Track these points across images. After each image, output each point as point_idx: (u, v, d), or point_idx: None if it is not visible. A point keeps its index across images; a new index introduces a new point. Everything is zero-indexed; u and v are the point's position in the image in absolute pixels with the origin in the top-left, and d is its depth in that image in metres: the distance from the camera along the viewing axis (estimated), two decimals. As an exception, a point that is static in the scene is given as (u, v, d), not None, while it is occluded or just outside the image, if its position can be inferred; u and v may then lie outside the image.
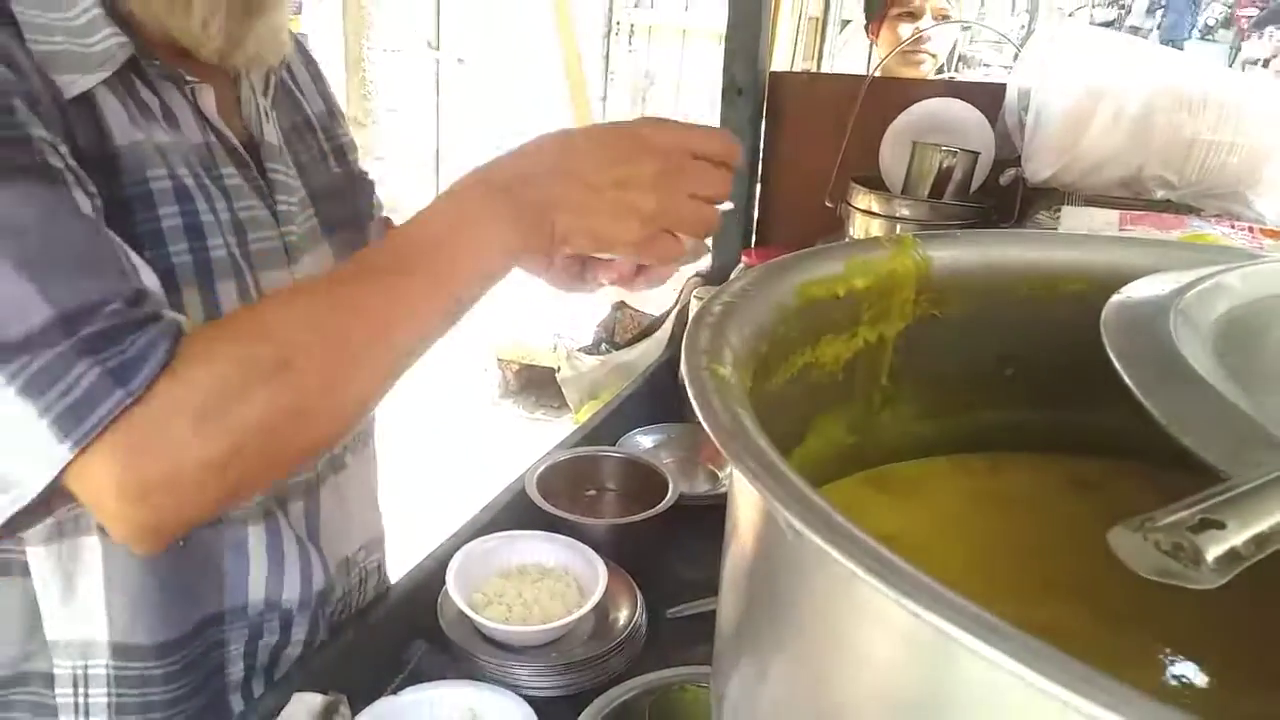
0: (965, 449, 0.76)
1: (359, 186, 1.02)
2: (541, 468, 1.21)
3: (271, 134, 0.87)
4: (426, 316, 0.68)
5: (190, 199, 0.75)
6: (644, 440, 1.40)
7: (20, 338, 0.58)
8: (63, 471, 0.59)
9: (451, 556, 1.00)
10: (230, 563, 0.84)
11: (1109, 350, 0.48)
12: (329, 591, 0.94)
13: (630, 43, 6.52)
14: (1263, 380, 0.47)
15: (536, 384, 4.10)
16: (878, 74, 1.65)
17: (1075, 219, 1.18)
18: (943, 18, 2.04)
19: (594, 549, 1.04)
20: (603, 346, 1.79)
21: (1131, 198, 1.34)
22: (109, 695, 0.81)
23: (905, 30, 2.03)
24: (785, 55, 5.66)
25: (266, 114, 0.87)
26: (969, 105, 1.57)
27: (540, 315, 3.81)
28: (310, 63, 1.02)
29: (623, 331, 1.77)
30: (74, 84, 0.69)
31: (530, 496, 1.15)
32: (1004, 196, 1.46)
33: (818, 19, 6.11)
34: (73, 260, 0.62)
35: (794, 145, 1.67)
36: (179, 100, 0.78)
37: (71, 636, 0.79)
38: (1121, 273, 0.65)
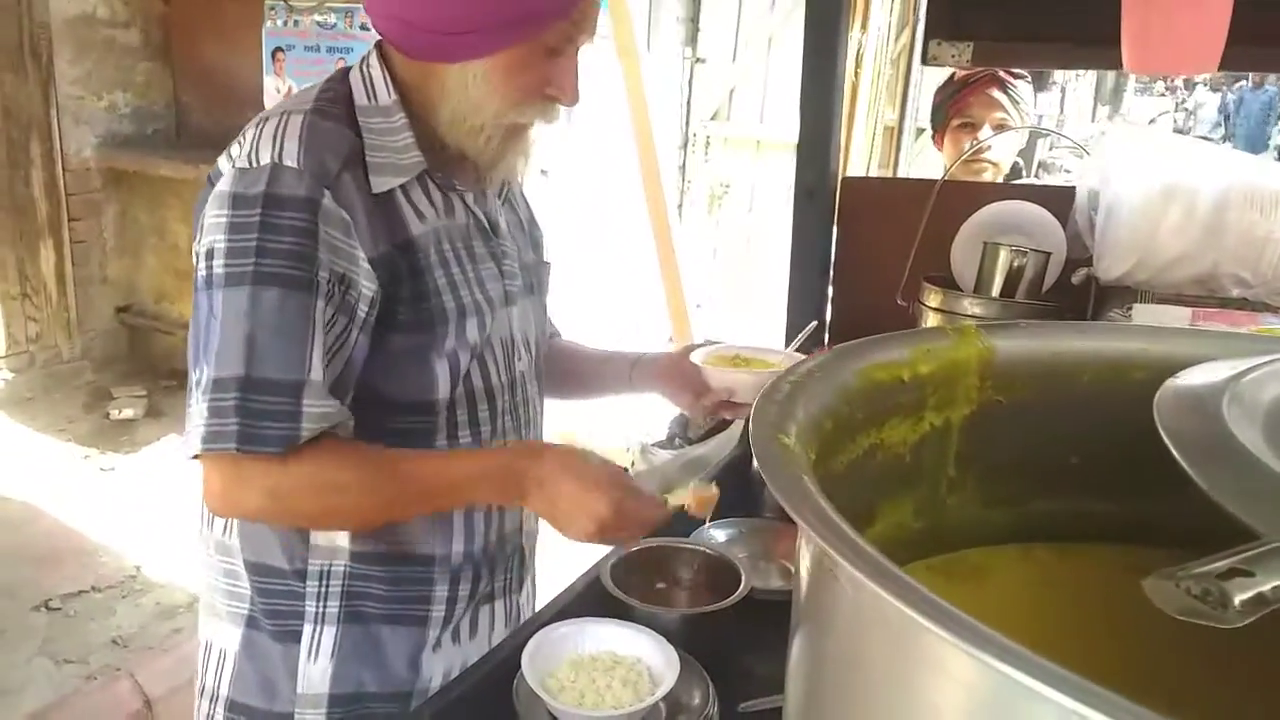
0: (1033, 537, 0.77)
1: (545, 269, 1.37)
2: (615, 558, 1.23)
3: (501, 220, 1.24)
4: (422, 516, 1.14)
5: (451, 266, 1.13)
6: (718, 534, 1.41)
7: (223, 377, 0.97)
8: (194, 456, 1.00)
9: (527, 641, 1.02)
10: (438, 516, 1.16)
11: (1160, 427, 0.50)
12: (503, 542, 1.24)
13: (706, 154, 6.71)
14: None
15: (611, 484, 4.12)
16: (946, 179, 1.69)
17: (1147, 316, 1.19)
18: (1000, 128, 2.08)
19: (667, 639, 1.05)
20: (676, 441, 1.82)
21: (1207, 295, 1.34)
22: (343, 585, 1.13)
23: (967, 140, 2.09)
24: (861, 162, 5.77)
25: (499, 209, 1.25)
26: (1039, 207, 1.60)
27: (614, 414, 3.86)
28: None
29: (696, 427, 1.79)
30: (385, 183, 1.07)
31: (604, 585, 1.16)
32: (1077, 295, 1.47)
33: (893, 128, 6.23)
34: (279, 350, 0.98)
35: (866, 247, 1.71)
36: (454, 197, 1.16)
37: (326, 541, 1.12)
38: (1183, 362, 0.66)
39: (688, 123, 6.65)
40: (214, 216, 1.01)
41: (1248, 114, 12.12)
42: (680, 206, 6.46)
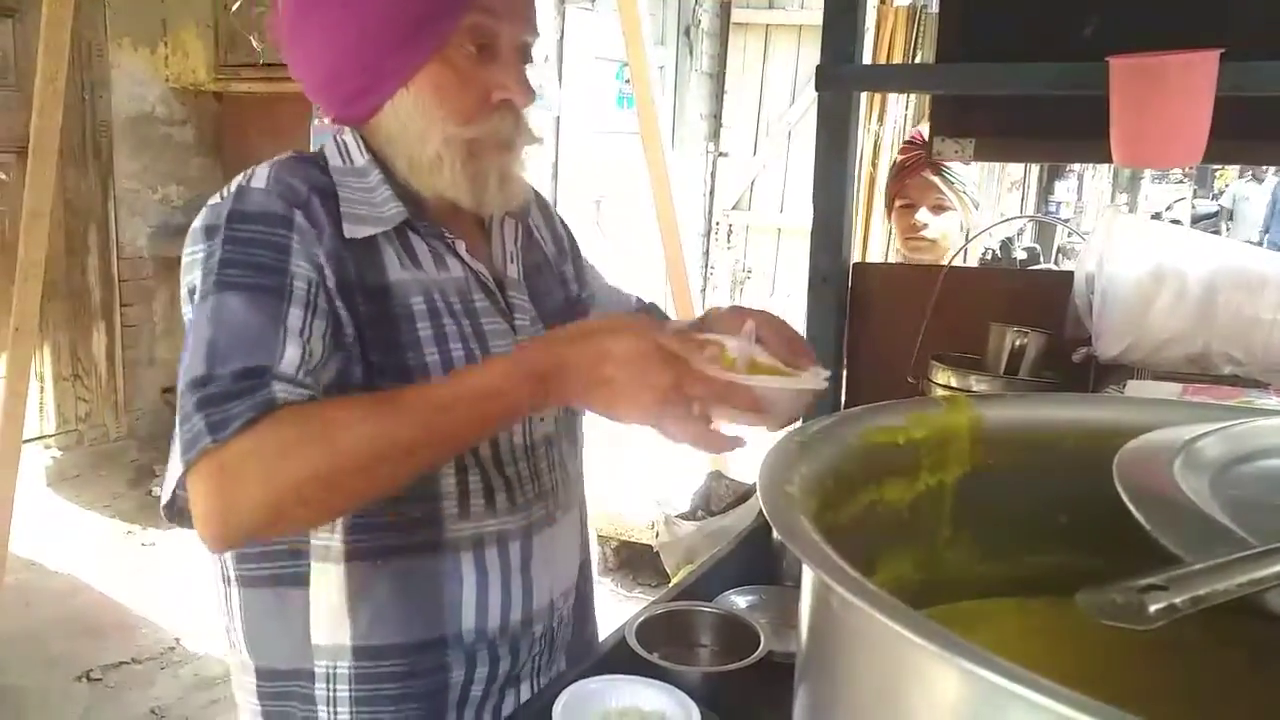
0: (1027, 590, 0.84)
1: (575, 310, 1.29)
2: (641, 619, 1.29)
3: (514, 271, 1.18)
4: (441, 451, 0.96)
5: (442, 317, 1.06)
6: (739, 600, 1.46)
7: (184, 385, 0.88)
8: (182, 476, 0.87)
9: (557, 697, 1.08)
10: (447, 591, 1.08)
11: (1115, 477, 0.58)
12: (530, 623, 1.17)
13: (729, 241, 6.89)
14: (1248, 503, 0.55)
15: (635, 561, 4.15)
16: (951, 263, 1.79)
17: (1139, 391, 1.27)
18: (938, 209, 2.24)
19: (689, 697, 1.11)
20: (699, 513, 1.89)
21: (1200, 373, 1.41)
22: (350, 689, 1.07)
23: (909, 219, 2.29)
24: (879, 247, 5.92)
25: (512, 257, 1.19)
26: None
27: (638, 489, 3.91)
28: (545, 208, 1.33)
29: (718, 500, 1.86)
30: (361, 230, 1.02)
31: (630, 645, 1.23)
32: (1078, 373, 1.55)
33: (910, 216, 6.40)
34: (235, 346, 0.89)
35: (878, 328, 1.80)
36: (446, 249, 1.10)
37: (327, 641, 1.06)
38: (1156, 428, 0.74)
39: (710, 212, 6.85)
40: (189, 255, 0.99)
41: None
42: (704, 291, 6.62)
